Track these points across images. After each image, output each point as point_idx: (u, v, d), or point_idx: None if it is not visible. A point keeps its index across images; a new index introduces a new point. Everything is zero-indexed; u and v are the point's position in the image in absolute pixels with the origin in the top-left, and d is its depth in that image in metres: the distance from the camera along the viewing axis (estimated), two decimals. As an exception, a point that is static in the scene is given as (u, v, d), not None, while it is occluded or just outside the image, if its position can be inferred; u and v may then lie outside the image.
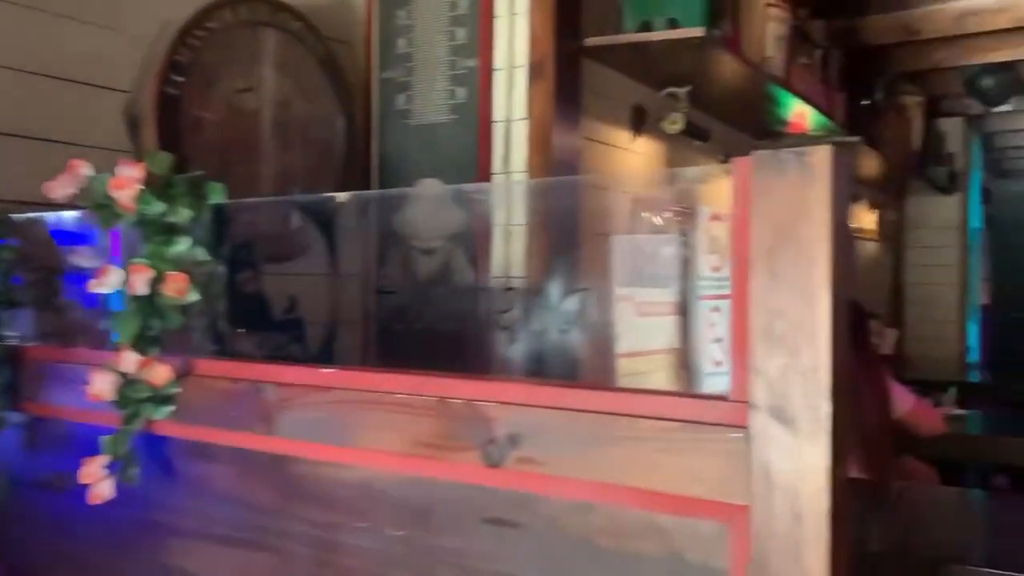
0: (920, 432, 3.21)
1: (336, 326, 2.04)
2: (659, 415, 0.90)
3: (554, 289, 1.77)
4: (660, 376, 3.32)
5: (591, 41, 2.32)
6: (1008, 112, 5.46)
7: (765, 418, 0.83)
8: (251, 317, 1.66)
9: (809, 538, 0.80)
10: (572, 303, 1.74)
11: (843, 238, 0.83)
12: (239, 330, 1.48)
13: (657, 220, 3.17)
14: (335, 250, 2.04)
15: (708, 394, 0.93)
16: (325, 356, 1.89)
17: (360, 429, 1.13)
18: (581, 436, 0.95)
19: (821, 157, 0.81)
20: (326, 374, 1.17)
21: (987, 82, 4.39)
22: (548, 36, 2.20)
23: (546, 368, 1.65)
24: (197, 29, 1.96)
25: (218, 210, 1.27)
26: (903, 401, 3.15)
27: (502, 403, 0.99)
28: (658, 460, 0.90)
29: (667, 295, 3.44)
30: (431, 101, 2.38)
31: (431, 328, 1.99)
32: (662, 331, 3.37)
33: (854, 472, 2.87)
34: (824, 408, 0.80)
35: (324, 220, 2.04)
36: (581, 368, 1.82)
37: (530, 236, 2.14)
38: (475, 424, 1.01)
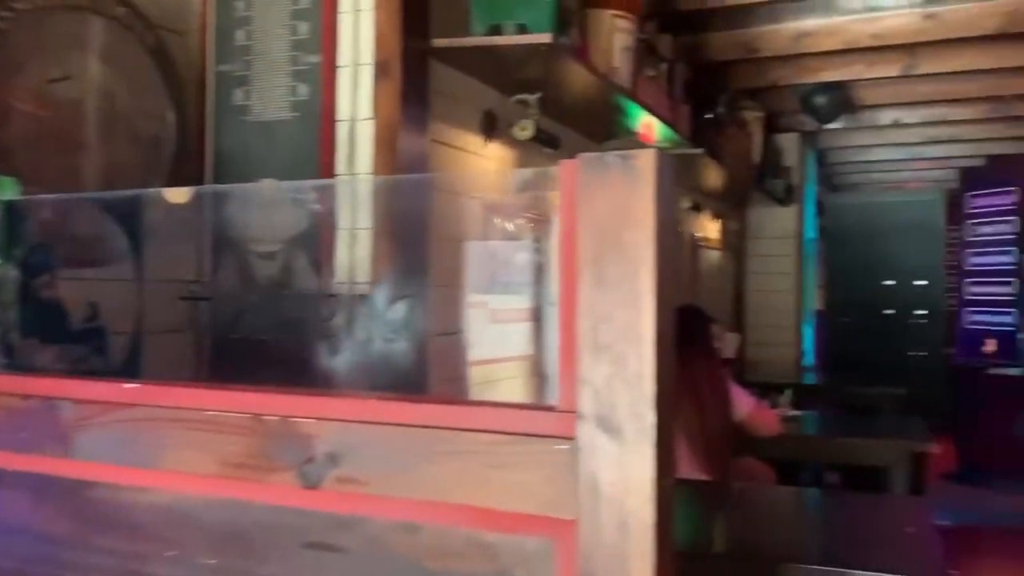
0: (759, 433, 3.35)
1: (147, 336, 1.89)
2: (486, 428, 0.86)
3: (381, 295, 1.71)
4: (514, 384, 3.30)
5: (439, 42, 2.28)
6: (840, 129, 5.84)
7: (592, 428, 0.80)
8: (47, 326, 1.50)
9: (635, 550, 0.78)
10: (399, 310, 1.68)
11: (668, 243, 0.81)
12: (32, 340, 1.34)
13: (510, 226, 3.16)
14: (147, 252, 1.90)
15: (536, 404, 0.89)
16: (131, 370, 1.75)
17: (167, 449, 1.03)
18: (406, 452, 0.89)
19: (646, 161, 0.79)
20: (129, 390, 1.06)
21: (820, 100, 4.66)
22: (394, 34, 2.13)
23: (373, 380, 1.59)
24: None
25: (9, 207, 1.13)
26: (743, 403, 3.28)
27: (320, 419, 0.92)
28: (486, 475, 0.86)
29: (521, 301, 3.42)
30: (271, 97, 2.26)
31: (256, 338, 1.88)
32: (516, 338, 3.34)
33: (697, 474, 2.96)
34: (649, 417, 0.78)
35: (137, 219, 1.89)
36: (419, 378, 1.77)
37: (375, 240, 2.06)
38: (291, 442, 0.93)
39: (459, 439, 0.86)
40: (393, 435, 0.90)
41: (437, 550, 0.89)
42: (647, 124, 3.48)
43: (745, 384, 3.78)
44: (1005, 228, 6.69)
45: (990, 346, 6.79)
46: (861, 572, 1.75)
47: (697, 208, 4.91)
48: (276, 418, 0.95)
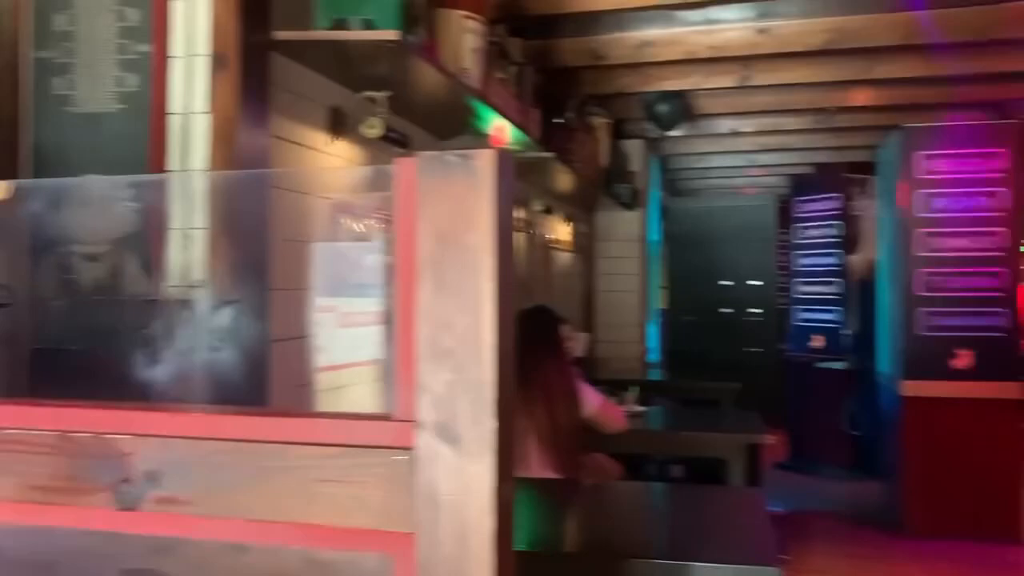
0: (607, 429, 3.43)
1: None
2: (319, 440, 0.82)
3: (216, 299, 1.62)
4: (364, 390, 3.22)
5: (282, 35, 2.19)
6: (681, 137, 6.09)
7: (431, 437, 0.77)
8: None
9: (475, 560, 0.76)
10: (235, 315, 1.59)
11: (509, 245, 0.80)
12: None
13: (359, 226, 3.08)
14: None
15: (372, 414, 0.86)
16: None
17: (-41, 474, 0.92)
18: (232, 469, 0.84)
19: (486, 161, 0.78)
20: (-87, 408, 0.94)
21: (662, 108, 4.84)
22: (232, 25, 2.03)
23: (206, 392, 1.50)
24: None
25: None
26: (591, 401, 3.35)
27: (138, 435, 0.85)
28: (320, 490, 0.82)
29: (372, 304, 3.34)
30: (96, 87, 2.10)
31: (72, 349, 1.74)
32: (367, 342, 3.26)
33: (547, 472, 2.99)
34: (490, 424, 0.76)
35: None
36: (258, 388, 1.69)
37: (211, 240, 1.95)
38: (105, 461, 0.85)
39: (290, 453, 0.82)
40: (218, 451, 0.84)
41: (268, 572, 0.84)
42: (499, 126, 3.49)
43: (594, 382, 3.87)
44: (830, 231, 7.18)
45: (818, 342, 7.26)
46: (700, 564, 1.81)
47: (549, 211, 4.99)
48: (88, 435, 0.87)
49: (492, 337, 0.76)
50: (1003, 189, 5.30)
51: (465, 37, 2.75)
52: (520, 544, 2.26)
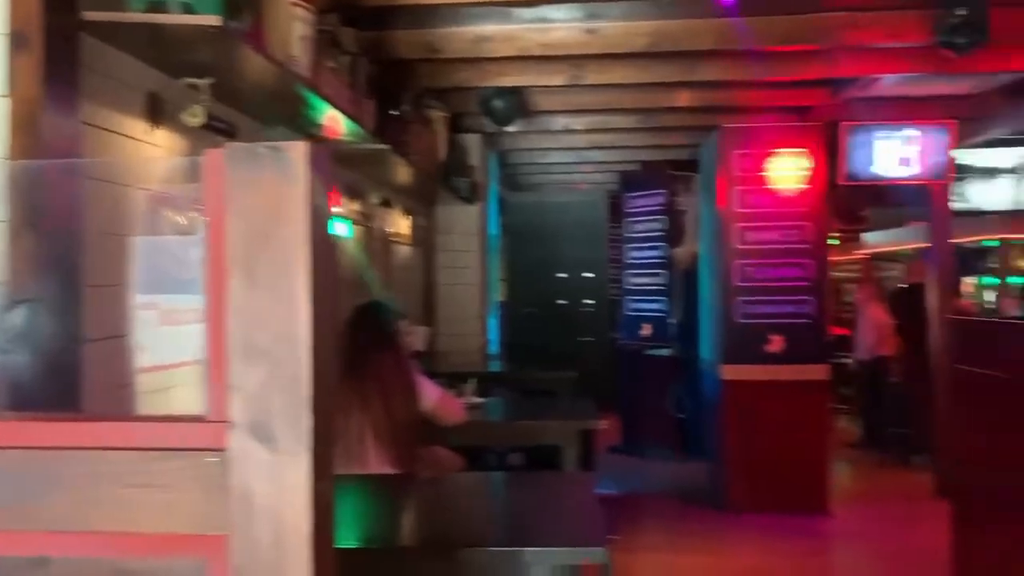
0: (445, 422, 3.45)
1: None
2: (126, 445, 0.78)
3: (18, 297, 1.51)
4: (190, 390, 3.07)
5: (92, 15, 2.05)
6: (518, 132, 6.20)
7: (244, 437, 0.76)
8: None
9: (292, 561, 0.75)
10: (39, 314, 1.49)
11: (325, 240, 0.79)
12: None
13: (182, 219, 2.94)
14: None
15: (184, 416, 0.83)
16: None
17: None
18: (30, 478, 0.78)
19: (299, 154, 0.76)
20: None
21: (497, 104, 4.91)
22: (34, 2, 1.88)
23: (9, 396, 1.39)
24: None
25: None
26: (430, 394, 3.36)
27: (-85, 447, 0.78)
28: (127, 497, 0.78)
29: (196, 301, 3.18)
30: None
31: None
32: (191, 341, 3.10)
33: (385, 468, 2.97)
34: (306, 421, 0.76)
35: None
36: (69, 391, 1.58)
37: (13, 234, 1.81)
38: None
39: (94, 459, 0.77)
40: (14, 460, 0.79)
41: (71, 585, 0.79)
42: (332, 117, 3.43)
43: (434, 375, 3.88)
44: (656, 225, 7.53)
45: (647, 330, 7.61)
46: (531, 549, 1.87)
47: (387, 204, 4.95)
48: None
49: (308, 334, 0.75)
50: (808, 186, 5.74)
51: (294, 24, 2.67)
52: (356, 541, 2.25)
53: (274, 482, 0.75)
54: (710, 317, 6.21)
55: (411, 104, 4.49)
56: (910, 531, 5.05)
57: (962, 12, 3.30)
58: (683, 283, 7.48)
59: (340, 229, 3.90)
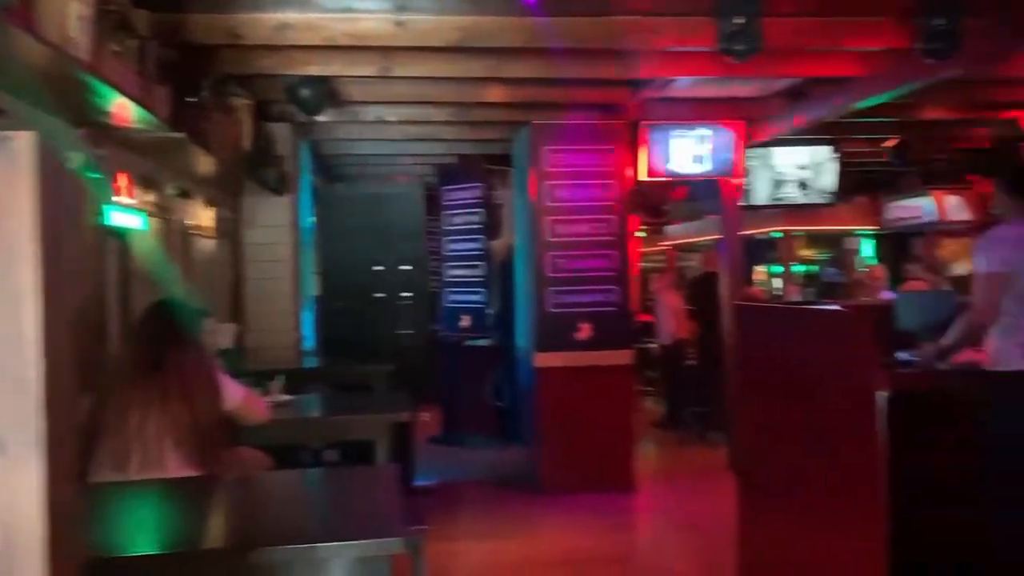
0: (250, 421, 3.35)
1: None
2: None
3: None
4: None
5: None
6: (331, 122, 6.08)
7: (-33, 445, 0.71)
8: None
9: (23, 572, 0.71)
10: None
11: (59, 235, 0.75)
12: None
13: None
14: None
15: None
16: None
17: None
18: None
19: (26, 144, 0.72)
20: None
21: (305, 92, 4.79)
22: None
23: None
24: None
25: None
26: (233, 393, 3.25)
27: None
28: None
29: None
30: None
31: None
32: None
33: (187, 471, 2.85)
34: (37, 426, 0.72)
35: None
36: None
37: None
38: None
39: None
40: None
41: None
42: (122, 105, 3.23)
43: (241, 373, 3.75)
44: (473, 218, 7.64)
45: (466, 321, 7.71)
46: (327, 544, 1.86)
47: (187, 195, 4.72)
48: None
49: (36, 332, 0.72)
50: (613, 181, 6.02)
51: (70, 4, 2.49)
52: (154, 547, 2.14)
53: (3, 490, 0.71)
54: (525, 307, 6.39)
55: (211, 91, 4.30)
56: (706, 503, 5.43)
57: (740, 21, 3.56)
58: (500, 275, 7.64)
59: (132, 221, 3.68)
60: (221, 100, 4.53)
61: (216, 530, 2.39)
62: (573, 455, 5.92)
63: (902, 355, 3.42)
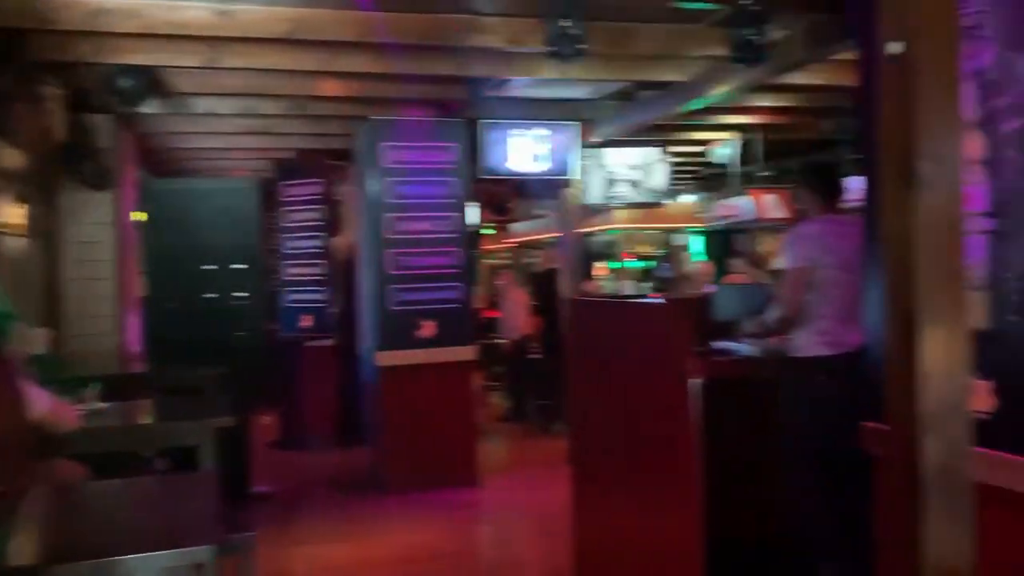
0: (58, 431, 3.15)
1: None
2: None
3: None
4: None
5: None
6: (158, 114, 5.76)
7: None
8: None
9: None
10: None
11: None
12: None
13: None
14: None
15: None
16: None
17: None
18: None
19: None
20: None
21: (125, 82, 4.53)
22: None
23: None
24: None
25: None
26: (40, 403, 3.05)
27: None
28: None
29: None
30: None
31: None
32: None
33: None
34: None
35: None
36: None
37: None
38: None
39: None
40: None
41: None
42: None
43: (57, 380, 3.53)
44: (313, 215, 7.48)
45: (307, 321, 7.54)
46: (130, 557, 1.77)
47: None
48: None
49: None
50: (454, 178, 6.06)
51: None
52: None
53: None
54: (367, 306, 6.32)
55: (17, 79, 3.99)
56: (547, 492, 5.56)
57: (566, 24, 3.66)
58: (342, 273, 7.51)
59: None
60: (28, 89, 4.21)
61: (13, 547, 2.23)
62: (417, 453, 5.91)
63: (719, 344, 3.62)
